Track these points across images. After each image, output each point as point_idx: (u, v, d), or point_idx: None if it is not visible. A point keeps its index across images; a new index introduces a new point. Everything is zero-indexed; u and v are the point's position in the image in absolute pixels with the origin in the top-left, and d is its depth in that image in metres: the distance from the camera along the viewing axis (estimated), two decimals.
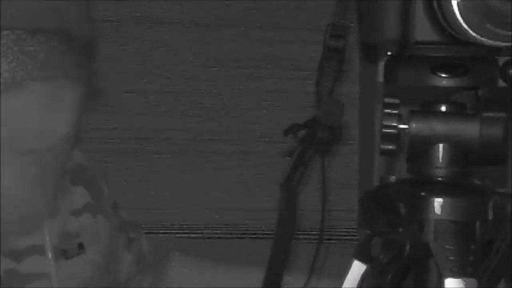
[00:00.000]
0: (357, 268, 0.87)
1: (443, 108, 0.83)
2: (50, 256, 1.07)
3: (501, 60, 0.81)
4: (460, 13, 0.72)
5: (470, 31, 0.72)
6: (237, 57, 2.03)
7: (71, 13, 1.04)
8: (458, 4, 0.72)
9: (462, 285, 0.78)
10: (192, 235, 1.78)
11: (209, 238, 1.74)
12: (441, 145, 0.82)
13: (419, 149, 0.83)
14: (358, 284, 0.87)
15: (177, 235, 1.76)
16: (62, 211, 1.12)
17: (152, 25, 2.02)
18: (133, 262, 1.26)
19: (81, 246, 1.11)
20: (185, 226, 1.80)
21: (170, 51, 2.03)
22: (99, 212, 1.17)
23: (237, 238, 1.69)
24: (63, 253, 1.08)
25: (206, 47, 2.04)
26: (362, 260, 0.86)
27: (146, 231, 1.38)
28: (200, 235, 1.77)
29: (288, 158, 0.87)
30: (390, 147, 0.81)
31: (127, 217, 1.28)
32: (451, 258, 0.79)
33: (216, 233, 1.75)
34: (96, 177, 1.22)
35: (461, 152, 0.82)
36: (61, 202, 1.11)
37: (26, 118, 1.02)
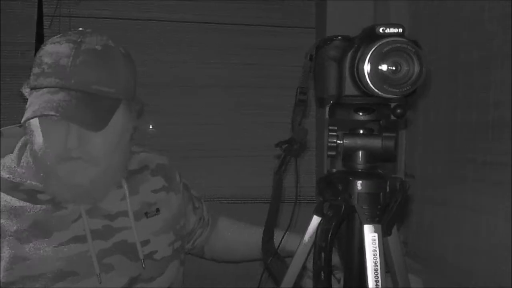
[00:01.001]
0: (316, 220, 0.99)
1: (361, 131, 0.96)
2: (131, 217, 1.13)
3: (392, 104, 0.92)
4: (369, 79, 0.86)
5: (375, 89, 0.86)
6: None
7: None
8: (367, 74, 0.86)
9: (373, 228, 0.91)
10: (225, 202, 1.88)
11: (236, 203, 1.86)
12: (360, 152, 0.95)
13: (348, 154, 0.96)
14: (315, 229, 0.98)
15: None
16: (143, 191, 1.19)
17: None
18: (196, 221, 1.34)
19: (157, 210, 1.19)
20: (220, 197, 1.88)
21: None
22: (171, 190, 1.25)
23: (251, 203, 1.82)
24: (144, 214, 1.16)
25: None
26: (318, 215, 0.99)
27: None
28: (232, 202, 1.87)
29: (278, 159, 0.98)
30: (333, 153, 0.94)
31: (195, 193, 1.37)
32: (366, 213, 0.92)
33: (240, 201, 1.87)
34: (172, 170, 1.28)
35: (371, 155, 0.95)
36: (141, 186, 1.19)
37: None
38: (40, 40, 1.80)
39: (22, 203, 1.05)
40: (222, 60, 1.87)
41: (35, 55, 1.71)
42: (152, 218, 1.18)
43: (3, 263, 1.02)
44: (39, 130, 1.02)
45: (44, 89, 1.00)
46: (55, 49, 1.02)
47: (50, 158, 1.02)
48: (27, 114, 0.98)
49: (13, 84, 1.77)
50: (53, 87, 0.99)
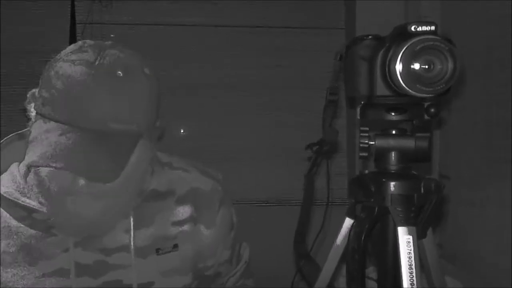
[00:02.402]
0: (348, 222, 0.98)
1: (393, 132, 0.94)
2: (132, 253, 0.95)
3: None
4: (401, 78, 0.84)
5: (407, 89, 0.85)
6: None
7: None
8: (399, 73, 0.84)
9: (407, 230, 0.90)
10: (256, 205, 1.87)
11: (266, 206, 1.85)
12: (393, 152, 0.94)
13: (381, 155, 0.94)
14: (348, 231, 0.96)
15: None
16: (160, 221, 0.99)
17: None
18: (228, 259, 1.09)
19: (175, 246, 0.99)
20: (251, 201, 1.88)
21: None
22: (201, 222, 1.02)
23: (282, 205, 1.82)
24: (155, 251, 0.97)
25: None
26: (350, 217, 0.97)
27: None
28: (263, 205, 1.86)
29: (309, 161, 0.99)
30: (365, 154, 0.92)
31: (235, 220, 1.11)
32: (400, 215, 0.91)
33: (270, 204, 1.86)
34: (212, 198, 1.04)
35: (404, 156, 0.93)
36: (158, 215, 0.99)
37: None
38: None
39: (15, 223, 0.94)
40: (252, 62, 1.87)
41: None
42: (165, 256, 0.98)
43: None
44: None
45: (51, 122, 0.87)
46: (68, 71, 0.87)
47: (57, 189, 0.89)
48: (32, 157, 0.86)
49: None
50: (62, 123, 0.86)
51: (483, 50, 1.66)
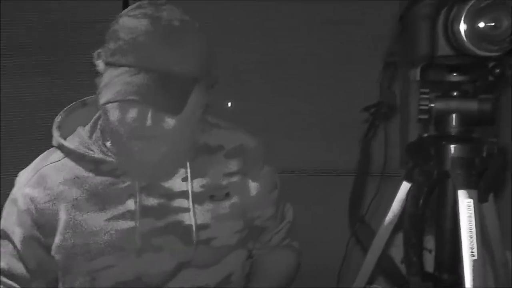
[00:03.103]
0: (405, 187, 0.98)
1: (455, 94, 0.93)
2: (190, 199, 1.05)
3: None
4: (465, 36, 0.83)
5: (472, 48, 0.83)
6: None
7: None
8: (464, 31, 0.83)
9: (467, 193, 0.88)
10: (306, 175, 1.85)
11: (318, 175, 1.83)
12: (454, 115, 0.92)
13: (441, 118, 0.93)
14: (405, 196, 0.96)
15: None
16: (212, 173, 1.08)
17: None
18: (272, 215, 1.18)
19: (227, 194, 1.08)
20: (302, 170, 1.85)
21: None
22: (249, 176, 1.12)
23: (335, 175, 1.79)
24: (209, 198, 1.07)
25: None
26: (408, 180, 0.97)
27: None
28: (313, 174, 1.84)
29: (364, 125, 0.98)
30: (425, 116, 0.92)
31: (279, 181, 1.20)
32: (461, 178, 0.90)
33: (322, 173, 1.83)
34: (256, 155, 1.14)
35: (466, 119, 0.92)
36: (210, 167, 1.08)
37: None
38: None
39: (85, 173, 1.05)
40: (304, 35, 1.84)
41: None
42: (218, 203, 1.08)
43: (60, 228, 1.03)
44: (115, 108, 0.98)
45: (121, 68, 0.96)
46: (132, 23, 0.96)
47: (125, 135, 0.99)
48: (107, 96, 0.94)
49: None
50: (131, 66, 0.95)
51: None
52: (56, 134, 1.08)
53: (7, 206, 1.08)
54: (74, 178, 1.05)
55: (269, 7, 1.79)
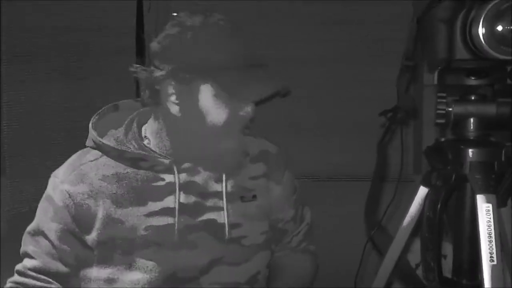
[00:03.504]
0: (422, 191, 0.97)
1: (473, 97, 0.92)
2: (224, 198, 1.11)
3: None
4: (484, 40, 0.82)
5: (490, 51, 0.82)
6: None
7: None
8: (482, 35, 0.82)
9: (486, 198, 0.87)
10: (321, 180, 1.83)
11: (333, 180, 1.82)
12: (472, 119, 0.92)
13: (458, 122, 0.92)
14: (422, 200, 0.96)
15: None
16: (241, 176, 1.15)
17: None
18: (292, 218, 1.24)
19: (254, 196, 1.15)
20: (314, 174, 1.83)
21: None
22: (272, 179, 1.18)
23: (350, 180, 1.77)
24: (240, 198, 1.13)
25: None
26: (425, 185, 0.96)
27: None
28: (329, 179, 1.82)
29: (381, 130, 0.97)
30: (442, 121, 0.91)
31: (298, 185, 1.26)
32: (479, 183, 0.89)
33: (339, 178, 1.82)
34: (278, 160, 1.20)
35: (484, 122, 0.92)
36: (240, 171, 1.14)
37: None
38: (139, 24, 1.86)
39: (125, 170, 1.09)
40: (315, 35, 1.83)
41: (136, 38, 1.82)
42: (248, 203, 1.15)
43: (97, 222, 1.07)
44: (205, 108, 1.04)
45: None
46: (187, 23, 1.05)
47: (214, 132, 1.05)
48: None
49: (116, 67, 1.82)
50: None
51: None
52: (93, 133, 1.12)
53: (42, 205, 1.12)
54: (113, 174, 1.09)
55: (269, 7, 1.78)
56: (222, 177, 1.13)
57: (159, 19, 1.82)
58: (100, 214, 1.07)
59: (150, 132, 1.13)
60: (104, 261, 1.08)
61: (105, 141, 1.10)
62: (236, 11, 1.77)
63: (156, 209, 1.08)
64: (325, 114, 1.83)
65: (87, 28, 1.81)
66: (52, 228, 1.09)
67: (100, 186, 1.09)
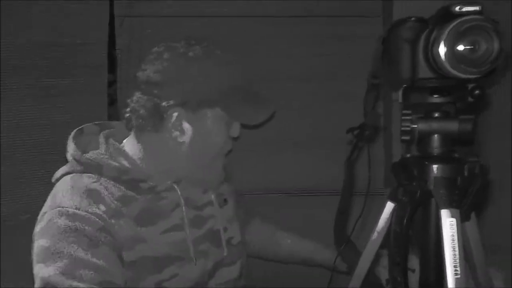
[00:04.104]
0: (389, 206, 0.99)
1: (436, 115, 0.95)
2: (216, 206, 1.22)
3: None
4: (445, 59, 0.85)
5: (452, 70, 0.85)
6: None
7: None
8: (444, 54, 0.84)
9: (450, 212, 0.90)
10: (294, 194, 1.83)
11: (301, 195, 1.81)
12: (436, 135, 0.94)
13: (423, 138, 0.94)
14: (390, 215, 0.97)
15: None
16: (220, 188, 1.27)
17: None
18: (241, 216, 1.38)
19: (225, 200, 1.27)
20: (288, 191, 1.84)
21: None
22: (230, 181, 1.32)
23: (319, 195, 1.77)
24: (218, 204, 1.24)
25: None
26: (392, 201, 0.98)
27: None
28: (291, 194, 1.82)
29: (349, 146, 0.99)
30: (407, 138, 0.93)
31: (241, 196, 1.42)
32: (443, 198, 0.91)
33: (305, 192, 1.81)
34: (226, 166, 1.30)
35: (447, 139, 0.94)
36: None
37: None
38: (111, 40, 1.86)
39: (127, 192, 1.10)
40: (291, 52, 1.85)
41: (107, 54, 1.81)
42: (225, 208, 1.26)
43: (125, 242, 1.06)
44: (208, 133, 1.13)
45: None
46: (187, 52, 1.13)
47: (211, 154, 1.16)
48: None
49: (88, 83, 1.80)
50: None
51: None
52: (90, 155, 1.12)
53: (62, 244, 1.01)
54: (121, 196, 1.10)
55: (252, 25, 1.81)
56: (207, 189, 1.23)
57: (132, 35, 1.82)
58: (125, 233, 1.07)
59: (132, 154, 1.16)
60: (137, 283, 1.07)
61: (105, 163, 1.11)
62: (218, 28, 1.83)
63: (168, 226, 1.13)
64: (296, 128, 1.84)
65: (60, 44, 1.80)
66: (95, 253, 1.01)
67: (116, 205, 1.08)
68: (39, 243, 1.03)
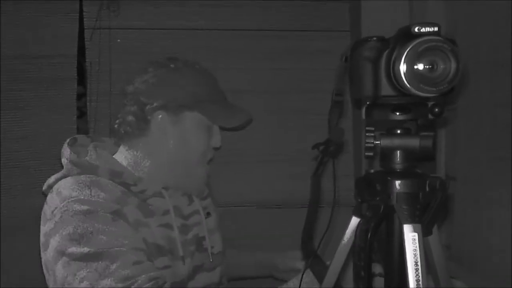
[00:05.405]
0: (354, 221, 1.00)
1: (398, 131, 0.97)
2: (202, 215, 1.35)
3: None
4: (405, 79, 0.87)
5: (411, 88, 0.87)
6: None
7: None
8: (404, 73, 0.87)
9: (412, 227, 0.92)
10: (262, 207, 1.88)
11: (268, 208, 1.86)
12: (398, 151, 0.96)
13: (386, 154, 0.97)
14: (354, 230, 0.98)
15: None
16: (196, 198, 1.39)
17: None
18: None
19: (208, 213, 1.40)
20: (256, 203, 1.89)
21: None
22: (212, 197, 1.46)
23: (287, 208, 1.81)
24: (207, 214, 1.38)
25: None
26: (357, 215, 0.99)
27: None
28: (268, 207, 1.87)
29: (315, 161, 1.00)
30: (370, 154, 0.95)
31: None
32: (405, 213, 0.93)
33: (273, 205, 1.86)
34: (209, 183, 1.46)
35: (409, 155, 0.96)
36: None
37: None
38: (81, 53, 1.85)
39: (124, 190, 1.21)
40: (255, 65, 1.87)
41: (77, 67, 1.81)
42: (208, 219, 1.37)
43: (133, 224, 1.17)
44: (190, 136, 1.26)
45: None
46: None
47: (194, 160, 1.29)
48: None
49: (56, 96, 1.80)
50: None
51: (489, 51, 1.67)
52: (89, 157, 1.22)
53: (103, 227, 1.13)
54: (121, 190, 1.21)
55: (217, 38, 1.85)
56: (193, 198, 1.35)
57: (102, 48, 1.82)
58: (132, 217, 1.18)
59: (121, 161, 1.27)
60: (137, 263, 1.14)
61: (99, 163, 1.21)
62: (181, 41, 1.84)
63: (162, 223, 1.25)
64: (266, 141, 1.89)
65: (26, 56, 1.79)
66: (119, 225, 1.14)
67: (119, 195, 1.19)
68: (61, 234, 1.11)
